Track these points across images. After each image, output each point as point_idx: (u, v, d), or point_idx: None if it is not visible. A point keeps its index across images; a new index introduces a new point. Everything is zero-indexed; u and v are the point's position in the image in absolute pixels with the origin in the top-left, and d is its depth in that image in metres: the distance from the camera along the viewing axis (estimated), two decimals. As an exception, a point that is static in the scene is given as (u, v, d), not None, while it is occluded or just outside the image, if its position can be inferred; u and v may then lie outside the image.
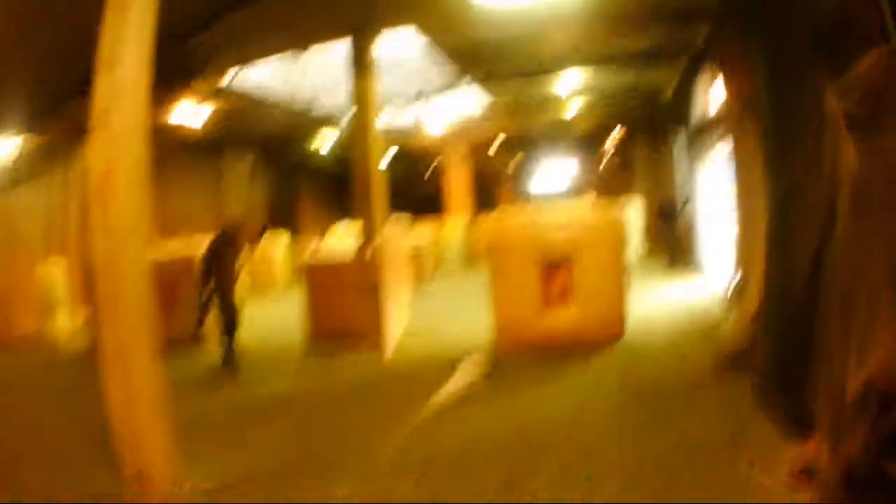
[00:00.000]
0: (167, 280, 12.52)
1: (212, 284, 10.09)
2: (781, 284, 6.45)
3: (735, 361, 7.73)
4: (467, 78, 15.79)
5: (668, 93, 18.55)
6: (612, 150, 30.42)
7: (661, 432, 6.05)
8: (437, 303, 15.19)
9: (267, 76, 14.29)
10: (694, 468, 5.25)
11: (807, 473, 4.06)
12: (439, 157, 27.48)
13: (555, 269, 9.39)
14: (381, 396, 8.32)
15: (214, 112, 15.92)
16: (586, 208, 10.85)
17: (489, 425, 6.79)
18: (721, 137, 12.76)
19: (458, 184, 27.04)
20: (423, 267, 19.39)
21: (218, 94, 14.70)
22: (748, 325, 8.81)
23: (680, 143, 17.82)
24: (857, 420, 2.80)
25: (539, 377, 8.34)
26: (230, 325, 10.24)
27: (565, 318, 9.41)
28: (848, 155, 3.26)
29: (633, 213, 19.86)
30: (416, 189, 35.85)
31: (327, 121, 19.18)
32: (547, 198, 29.41)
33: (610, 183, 31.55)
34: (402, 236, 16.64)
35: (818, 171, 5.20)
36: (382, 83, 11.56)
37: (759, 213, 9.55)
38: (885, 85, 3.03)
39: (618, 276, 9.47)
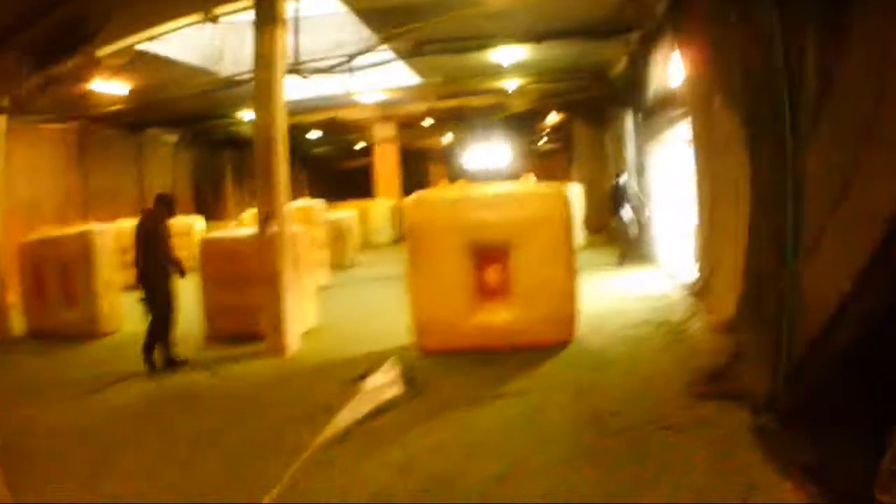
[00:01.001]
0: (59, 262, 10.93)
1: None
2: (792, 299, 5.03)
3: (713, 380, 6.26)
4: (394, 50, 13.98)
5: (617, 71, 17.18)
6: (550, 133, 29.12)
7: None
8: (357, 292, 13.43)
9: (185, 50, 13.09)
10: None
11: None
12: (368, 134, 26.05)
13: (489, 255, 7.69)
14: (258, 421, 6.39)
15: (132, 90, 14.69)
16: (526, 187, 9.10)
17: (387, 481, 4.82)
18: (679, 119, 11.37)
19: (386, 163, 25.87)
20: (345, 251, 17.91)
21: (132, 68, 13.10)
22: (722, 335, 7.43)
23: (628, 125, 16.42)
24: None
25: (466, 397, 6.52)
26: (162, 324, 8.43)
27: (502, 316, 7.73)
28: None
29: (574, 201, 18.40)
30: (344, 166, 34.31)
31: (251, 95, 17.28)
32: (482, 178, 27.96)
33: (548, 167, 30.42)
34: (313, 216, 14.89)
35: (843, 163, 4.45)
36: (303, 47, 10.69)
37: (727, 204, 8.25)
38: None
39: (566, 265, 7.78)
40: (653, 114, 13.49)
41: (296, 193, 11.05)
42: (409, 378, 7.15)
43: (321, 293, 11.60)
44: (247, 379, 7.94)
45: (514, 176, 28.73)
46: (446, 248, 7.71)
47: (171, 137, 22.60)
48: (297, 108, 20.26)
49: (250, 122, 19.94)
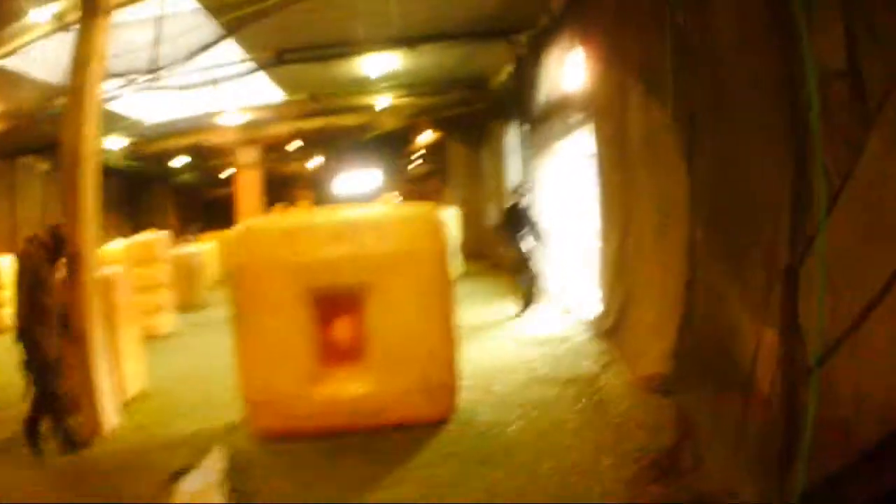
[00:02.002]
0: None
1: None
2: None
3: (663, 475, 4.29)
4: (255, 60, 12.37)
5: (499, 80, 15.49)
6: (425, 153, 27.34)
7: None
8: (205, 339, 10.78)
9: (45, 66, 10.83)
10: None
11: None
12: (233, 159, 23.77)
13: (336, 304, 5.46)
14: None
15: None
16: (388, 210, 6.68)
17: None
18: (578, 126, 9.63)
19: (249, 190, 23.60)
20: (197, 289, 15.46)
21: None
22: (651, 396, 5.54)
23: (512, 139, 14.63)
24: None
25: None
26: (49, 393, 5.99)
27: (356, 387, 5.48)
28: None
29: (449, 225, 16.34)
30: (212, 194, 31.68)
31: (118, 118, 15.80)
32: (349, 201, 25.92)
33: (422, 191, 28.67)
34: (155, 252, 12.36)
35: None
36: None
37: (646, 223, 6.47)
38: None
39: (440, 314, 5.64)
40: (543, 123, 11.71)
41: (162, 225, 8.80)
42: (236, 480, 4.86)
43: (163, 343, 9.94)
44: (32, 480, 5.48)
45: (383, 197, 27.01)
46: (279, 296, 5.44)
47: (44, 165, 20.14)
48: (161, 132, 18.60)
49: (118, 149, 19.52)
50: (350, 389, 5.49)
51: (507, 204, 11.16)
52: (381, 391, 5.37)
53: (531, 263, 10.41)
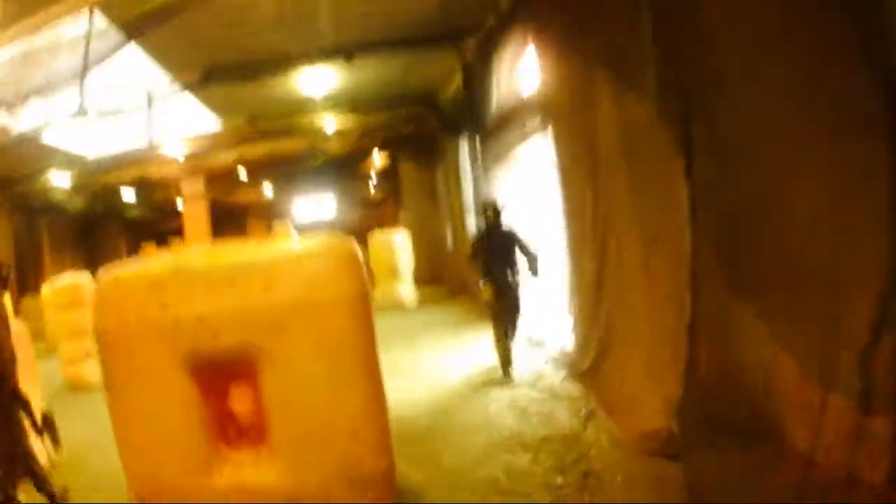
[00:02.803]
0: None
1: None
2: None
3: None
4: (180, 83, 11.42)
5: (448, 94, 14.29)
6: (379, 177, 26.09)
7: None
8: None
9: None
10: None
11: None
12: (177, 191, 22.61)
13: (225, 373, 4.04)
14: None
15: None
16: (284, 247, 4.86)
17: None
18: (534, 133, 8.49)
19: (195, 222, 22.31)
20: None
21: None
22: (655, 463, 4.31)
23: (465, 153, 13.41)
24: None
25: None
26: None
27: (260, 476, 4.06)
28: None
29: (400, 252, 15.07)
30: (164, 229, 30.37)
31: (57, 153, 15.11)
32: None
33: (379, 216, 27.49)
34: (81, 296, 10.94)
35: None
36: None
37: (627, 244, 5.31)
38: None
39: (363, 376, 4.09)
40: (496, 134, 10.50)
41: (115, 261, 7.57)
42: None
43: (88, 395, 8.92)
44: None
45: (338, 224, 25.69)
46: (153, 364, 4.03)
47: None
48: (104, 166, 17.53)
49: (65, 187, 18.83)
50: (253, 479, 4.10)
51: (481, 227, 8.93)
52: (293, 481, 3.98)
53: (517, 307, 7.79)
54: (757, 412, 3.67)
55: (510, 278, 7.66)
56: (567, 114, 6.84)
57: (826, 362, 3.00)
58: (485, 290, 7.69)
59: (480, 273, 7.77)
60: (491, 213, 7.90)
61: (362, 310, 4.02)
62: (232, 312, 3.82)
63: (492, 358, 7.77)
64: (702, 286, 3.95)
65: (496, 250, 7.69)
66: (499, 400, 6.61)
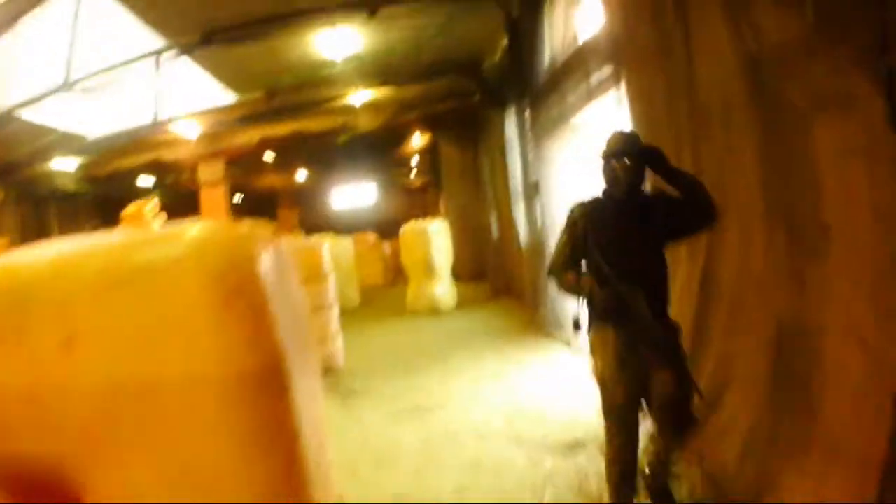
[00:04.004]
0: None
1: None
2: None
3: None
4: (177, 45, 10.11)
5: (493, 61, 12.58)
6: (420, 159, 24.31)
7: None
8: None
9: None
10: None
11: None
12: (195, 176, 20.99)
13: (47, 492, 2.15)
14: None
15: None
16: (131, 252, 1.89)
17: None
18: (598, 93, 6.56)
19: (213, 210, 20.64)
20: None
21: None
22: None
23: (512, 128, 11.47)
24: None
25: None
26: None
27: None
28: None
29: (435, 245, 13.10)
30: (181, 217, 29.10)
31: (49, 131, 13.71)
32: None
33: (421, 203, 25.82)
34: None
35: None
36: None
37: (755, 232, 3.39)
38: None
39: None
40: (549, 100, 8.51)
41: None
42: None
43: None
44: None
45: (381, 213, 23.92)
46: None
47: (-1, 195, 18.63)
48: (107, 145, 15.55)
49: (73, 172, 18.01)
50: None
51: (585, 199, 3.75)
52: None
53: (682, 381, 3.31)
54: None
55: (660, 308, 3.36)
56: (649, 56, 4.89)
57: None
58: (596, 346, 3.46)
59: (581, 297, 3.47)
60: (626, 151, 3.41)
61: (260, 397, 1.74)
62: (21, 391, 1.78)
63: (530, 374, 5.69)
64: None
65: (630, 246, 3.37)
66: (557, 455, 4.64)
